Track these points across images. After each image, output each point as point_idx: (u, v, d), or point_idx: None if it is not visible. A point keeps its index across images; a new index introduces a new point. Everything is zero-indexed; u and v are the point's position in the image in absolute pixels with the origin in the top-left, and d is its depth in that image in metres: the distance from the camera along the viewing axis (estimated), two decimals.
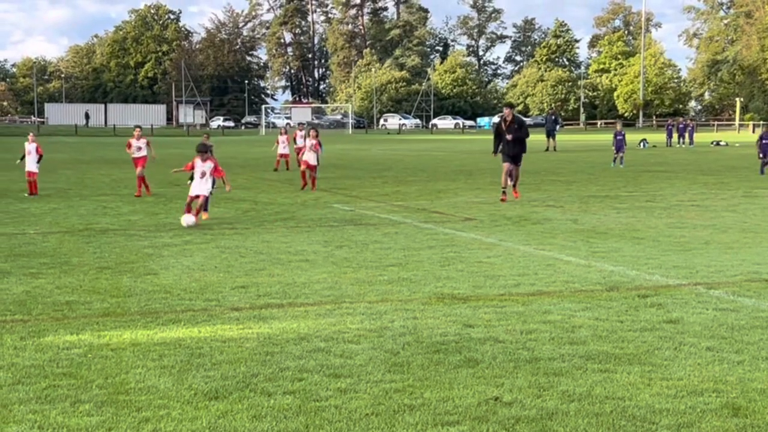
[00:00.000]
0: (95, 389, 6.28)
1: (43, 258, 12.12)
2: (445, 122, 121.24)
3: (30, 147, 22.43)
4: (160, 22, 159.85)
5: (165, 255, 12.40)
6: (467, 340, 7.60)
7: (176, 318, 8.47)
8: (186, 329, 8.03)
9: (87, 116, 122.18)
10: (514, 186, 20.70)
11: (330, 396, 6.12)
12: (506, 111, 20.67)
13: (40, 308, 8.91)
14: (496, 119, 71.14)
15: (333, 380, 6.47)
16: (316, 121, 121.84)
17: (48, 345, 7.47)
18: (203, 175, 16.17)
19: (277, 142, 33.48)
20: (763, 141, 29.74)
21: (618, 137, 35.18)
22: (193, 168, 16.42)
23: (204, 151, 16.47)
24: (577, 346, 7.39)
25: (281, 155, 32.98)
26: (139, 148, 22.89)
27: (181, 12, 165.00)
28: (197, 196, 16.06)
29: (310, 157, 23.45)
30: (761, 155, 29.54)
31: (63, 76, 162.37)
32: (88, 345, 7.48)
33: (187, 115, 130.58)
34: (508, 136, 20.05)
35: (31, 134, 23.31)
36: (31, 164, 22.26)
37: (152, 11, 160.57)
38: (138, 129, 23.76)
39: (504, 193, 20.31)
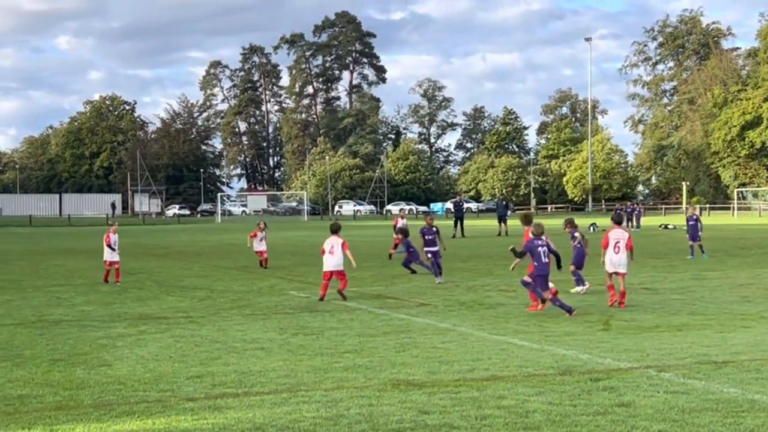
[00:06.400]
0: None
1: None
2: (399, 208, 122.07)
3: None
4: (115, 112, 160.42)
5: (119, 345, 12.31)
6: (423, 426, 7.64)
7: (130, 410, 8.41)
8: (140, 421, 7.97)
9: (113, 206, 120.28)
10: None
11: None
12: None
13: None
14: (449, 204, 71.52)
15: None
16: (271, 209, 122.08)
17: None
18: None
19: (253, 236, 27.05)
20: (690, 222, 29.69)
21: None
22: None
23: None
24: (531, 431, 7.47)
25: (260, 252, 26.92)
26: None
27: (136, 102, 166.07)
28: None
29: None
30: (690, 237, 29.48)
31: (17, 167, 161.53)
32: None
33: (143, 203, 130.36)
34: None
35: None
36: None
37: (107, 102, 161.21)
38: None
39: None
